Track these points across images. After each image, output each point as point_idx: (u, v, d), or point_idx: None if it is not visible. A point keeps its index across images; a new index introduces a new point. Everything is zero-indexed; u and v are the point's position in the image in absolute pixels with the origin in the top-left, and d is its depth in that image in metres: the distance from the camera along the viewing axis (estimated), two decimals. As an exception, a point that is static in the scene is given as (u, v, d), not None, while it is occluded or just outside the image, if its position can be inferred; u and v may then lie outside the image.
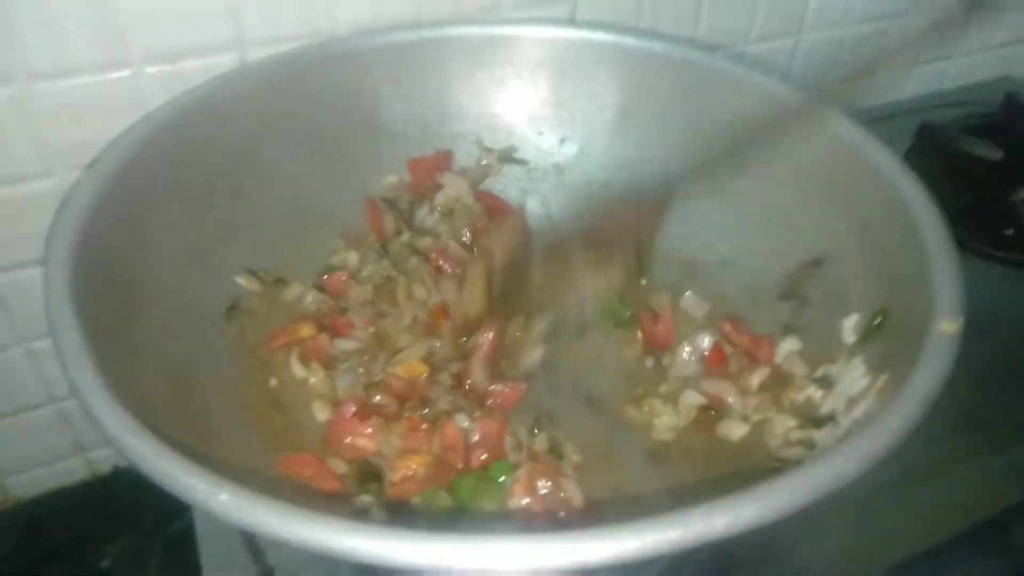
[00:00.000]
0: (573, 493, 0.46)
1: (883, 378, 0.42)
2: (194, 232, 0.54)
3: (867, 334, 0.48)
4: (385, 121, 0.67)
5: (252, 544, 0.52)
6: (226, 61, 0.62)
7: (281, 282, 0.59)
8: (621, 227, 0.58)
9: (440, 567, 0.27)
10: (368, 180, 0.67)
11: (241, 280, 0.57)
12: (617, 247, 0.58)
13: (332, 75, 0.63)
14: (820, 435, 0.43)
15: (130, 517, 0.74)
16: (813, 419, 0.46)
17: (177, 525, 0.72)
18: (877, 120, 0.96)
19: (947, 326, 0.39)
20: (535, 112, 0.70)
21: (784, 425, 0.47)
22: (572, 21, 0.75)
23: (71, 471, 0.77)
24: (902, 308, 0.46)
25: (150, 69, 0.60)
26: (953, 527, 0.55)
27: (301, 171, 0.63)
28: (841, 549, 0.54)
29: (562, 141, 0.71)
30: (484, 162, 0.70)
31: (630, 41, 0.67)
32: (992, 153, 0.84)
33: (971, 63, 1.06)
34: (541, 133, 0.71)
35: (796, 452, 0.45)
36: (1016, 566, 0.59)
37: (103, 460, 0.78)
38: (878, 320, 0.47)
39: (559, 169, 0.71)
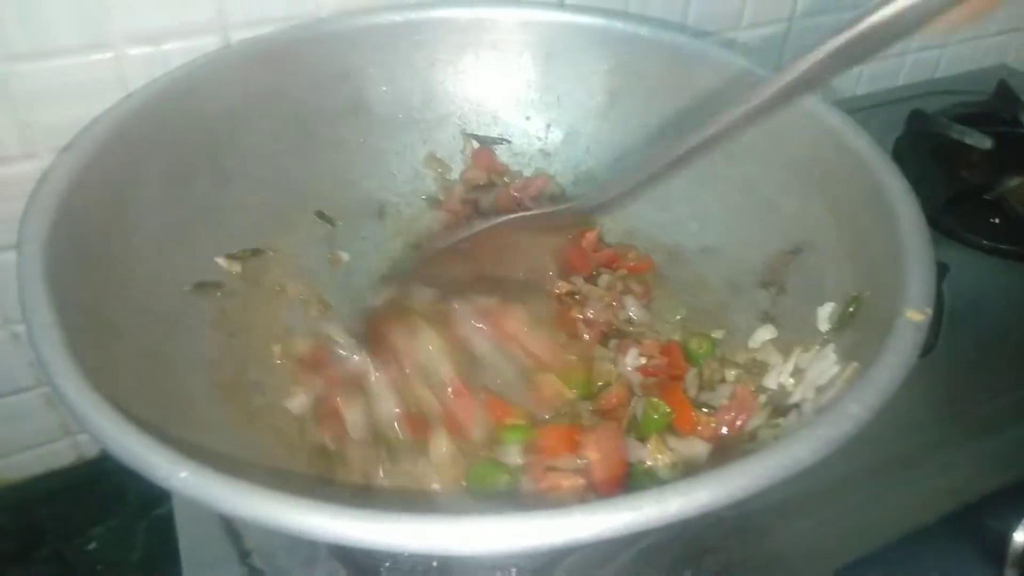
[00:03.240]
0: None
1: (852, 366, 0.42)
2: (174, 211, 0.54)
3: (840, 322, 0.48)
4: (370, 103, 0.67)
5: (230, 527, 0.52)
6: (209, 43, 0.62)
7: (259, 253, 0.59)
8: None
9: (393, 547, 0.28)
10: (353, 162, 0.67)
11: (222, 262, 0.57)
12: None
13: (316, 56, 0.63)
14: (785, 423, 0.43)
15: (116, 500, 0.74)
16: (781, 408, 0.46)
17: (161, 509, 0.73)
18: (869, 108, 0.98)
19: (914, 315, 0.39)
20: (521, 96, 0.70)
21: (752, 424, 0.47)
22: (560, 4, 0.75)
23: (58, 455, 0.78)
24: (875, 296, 0.46)
25: (132, 51, 0.60)
26: (931, 513, 0.56)
27: (284, 152, 0.63)
28: (816, 535, 0.54)
29: (548, 126, 0.71)
30: (465, 151, 0.70)
31: (618, 25, 0.67)
32: (981, 142, 0.84)
33: (966, 51, 1.05)
34: (528, 118, 0.71)
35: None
36: (993, 552, 0.59)
37: (89, 444, 0.79)
38: (851, 308, 0.47)
39: (545, 154, 0.71)
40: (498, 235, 0.56)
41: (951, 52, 1.04)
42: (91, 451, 0.79)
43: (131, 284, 0.48)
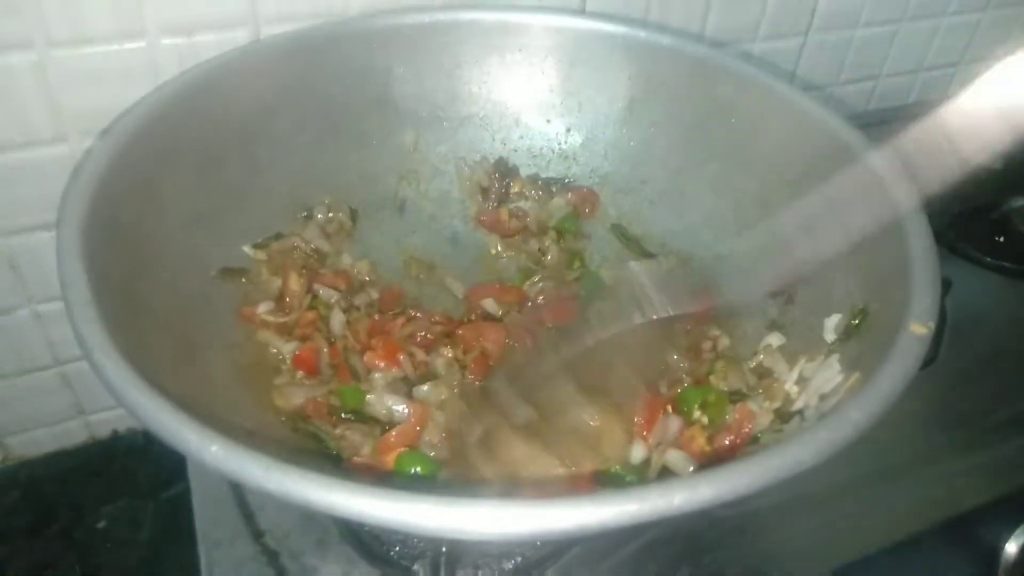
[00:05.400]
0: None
1: (855, 376, 0.43)
2: (203, 198, 0.55)
3: (846, 333, 0.49)
4: (396, 100, 0.68)
5: (244, 508, 0.54)
6: (240, 36, 0.64)
7: (280, 236, 0.61)
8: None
9: (415, 526, 0.29)
10: (377, 157, 0.68)
11: (248, 251, 0.59)
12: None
13: (345, 52, 0.65)
14: (787, 428, 0.45)
15: (126, 481, 0.76)
16: (785, 415, 0.47)
17: (169, 491, 0.75)
18: (881, 123, 0.98)
19: (918, 328, 0.40)
20: (543, 100, 0.71)
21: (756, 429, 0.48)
22: (583, 11, 0.76)
23: (71, 434, 0.79)
24: (880, 309, 0.47)
25: (165, 41, 0.62)
26: (926, 521, 0.57)
27: (311, 145, 0.64)
28: (812, 538, 0.55)
29: (568, 130, 0.72)
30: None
31: (640, 34, 0.68)
32: (991, 161, 0.85)
33: (979, 71, 1.06)
34: (549, 121, 0.72)
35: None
36: (985, 562, 0.60)
37: (102, 424, 0.80)
38: (857, 320, 0.49)
39: (564, 158, 0.73)
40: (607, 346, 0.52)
41: (963, 71, 1.05)
42: (103, 431, 0.81)
43: (161, 266, 0.49)
